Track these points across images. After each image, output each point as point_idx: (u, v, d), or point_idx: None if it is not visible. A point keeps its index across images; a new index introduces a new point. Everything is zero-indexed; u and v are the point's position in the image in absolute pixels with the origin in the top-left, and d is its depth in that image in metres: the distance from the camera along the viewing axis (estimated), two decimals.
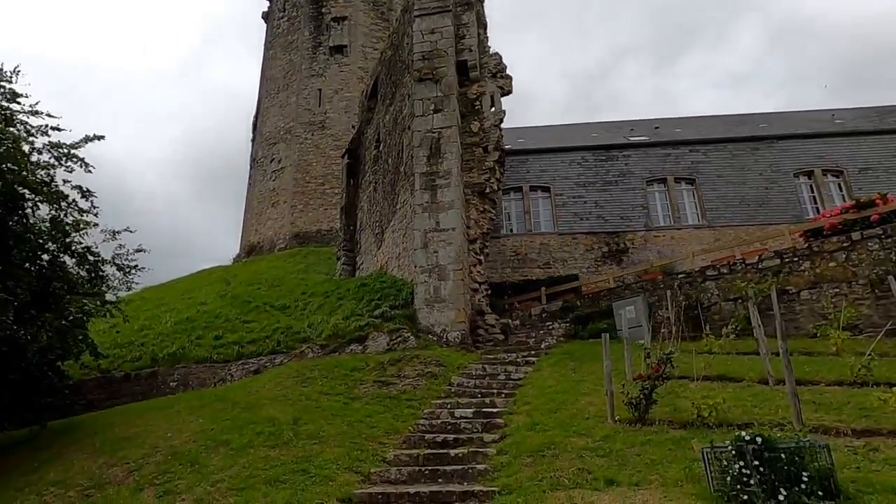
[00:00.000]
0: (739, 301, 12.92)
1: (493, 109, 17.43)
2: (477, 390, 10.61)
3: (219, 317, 17.93)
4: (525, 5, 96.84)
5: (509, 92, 17.82)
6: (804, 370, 9.11)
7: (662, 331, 11.34)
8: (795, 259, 12.66)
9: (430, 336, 13.96)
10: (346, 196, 24.83)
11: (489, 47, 18.41)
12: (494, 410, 9.34)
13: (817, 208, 21.82)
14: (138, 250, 13.54)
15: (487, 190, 16.88)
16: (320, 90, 36.73)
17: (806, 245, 12.85)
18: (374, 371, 11.74)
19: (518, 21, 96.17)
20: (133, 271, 12.39)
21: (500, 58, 18.04)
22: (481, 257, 16.56)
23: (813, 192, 22.32)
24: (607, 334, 8.44)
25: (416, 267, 15.17)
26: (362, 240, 22.90)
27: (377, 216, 20.73)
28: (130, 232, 13.62)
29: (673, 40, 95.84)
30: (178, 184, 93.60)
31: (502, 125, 17.66)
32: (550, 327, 15.22)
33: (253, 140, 40.80)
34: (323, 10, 38.72)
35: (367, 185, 23.11)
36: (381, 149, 21.45)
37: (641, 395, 7.52)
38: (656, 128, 26.02)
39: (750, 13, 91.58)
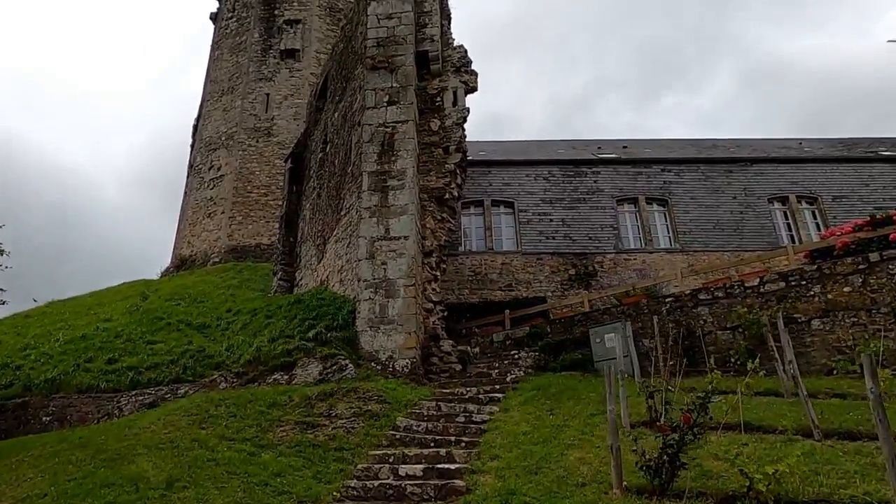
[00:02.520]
0: (739, 330, 11.03)
1: (456, 106, 15.37)
2: (429, 437, 8.20)
3: (120, 336, 14.88)
4: (513, 32, 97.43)
5: (474, 89, 15.82)
6: (847, 418, 7.15)
7: (659, 364, 9.24)
8: (803, 282, 10.90)
9: (373, 364, 11.47)
10: (287, 204, 22.19)
11: (453, 40, 16.43)
12: (453, 467, 6.94)
13: (792, 236, 20.66)
14: None
15: (447, 196, 14.68)
16: (268, 95, 34.11)
17: (815, 267, 11.14)
18: (297, 408, 9.17)
19: (504, 46, 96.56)
20: None
21: (465, 51, 16.08)
22: (437, 273, 14.25)
23: (787, 218, 21.16)
24: (611, 367, 6.21)
25: (359, 281, 12.72)
26: (303, 253, 20.25)
27: (319, 225, 18.21)
28: None
29: (655, 78, 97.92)
30: (140, 195, 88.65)
31: (465, 127, 15.63)
32: (516, 357, 12.97)
33: (192, 146, 37.63)
34: (276, 12, 36.41)
35: (311, 192, 20.58)
36: (327, 150, 19.04)
37: (664, 456, 5.30)
38: (624, 147, 24.61)
39: (726, 57, 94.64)
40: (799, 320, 10.59)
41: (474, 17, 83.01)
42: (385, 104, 14.49)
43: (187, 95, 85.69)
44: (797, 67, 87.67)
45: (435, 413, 9.21)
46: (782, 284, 11.13)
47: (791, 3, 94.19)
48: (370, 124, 14.28)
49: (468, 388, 10.67)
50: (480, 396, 10.09)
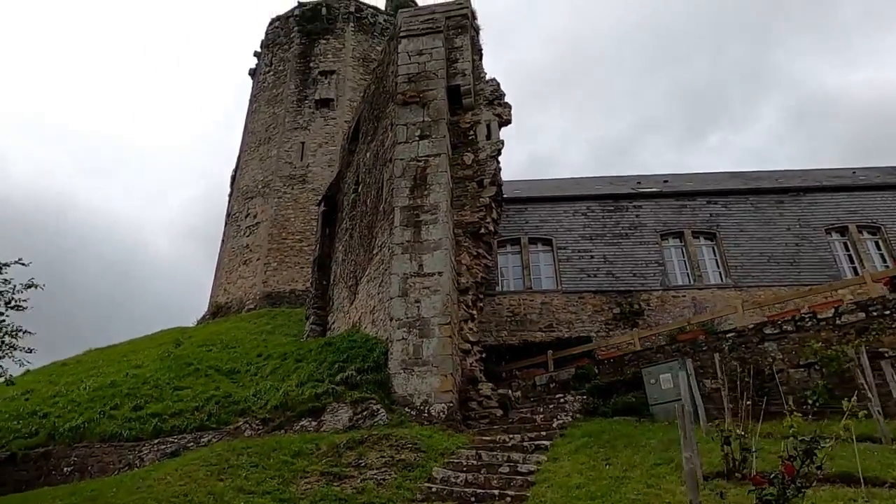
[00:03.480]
0: (815, 367, 9.82)
1: (489, 139, 14.90)
2: (469, 490, 7.26)
3: (147, 382, 14.43)
4: (555, 79, 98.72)
5: (508, 121, 15.37)
6: None
7: (726, 406, 8.14)
8: (887, 312, 9.70)
9: (406, 409, 10.63)
10: (320, 247, 21.89)
11: (485, 74, 16.14)
12: None
13: (855, 268, 19.19)
14: (29, 286, 10.46)
15: (482, 231, 14.03)
16: (303, 143, 34.70)
17: None
18: (324, 458, 8.38)
19: (546, 93, 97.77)
20: (4, 312, 9.17)
21: (498, 84, 15.73)
22: (474, 312, 13.45)
23: (848, 249, 19.71)
24: (682, 407, 5.26)
25: (392, 320, 12.02)
26: (335, 295, 19.75)
27: (352, 266, 17.73)
28: (23, 265, 10.60)
29: (699, 117, 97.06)
30: (190, 246, 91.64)
31: (499, 160, 15.10)
32: (562, 400, 11.93)
33: (230, 195, 38.33)
34: (311, 64, 37.54)
35: (343, 234, 20.24)
36: (359, 190, 18.76)
37: None
38: (665, 181, 23.70)
39: (772, 93, 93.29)
40: (886, 355, 9.32)
41: (516, 65, 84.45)
42: (417, 138, 14.12)
43: (235, 149, 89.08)
44: (847, 101, 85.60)
45: (475, 463, 8.28)
46: (862, 315, 9.93)
47: (837, 37, 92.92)
48: (402, 159, 13.89)
49: (511, 435, 9.70)
50: (525, 444, 9.12)
